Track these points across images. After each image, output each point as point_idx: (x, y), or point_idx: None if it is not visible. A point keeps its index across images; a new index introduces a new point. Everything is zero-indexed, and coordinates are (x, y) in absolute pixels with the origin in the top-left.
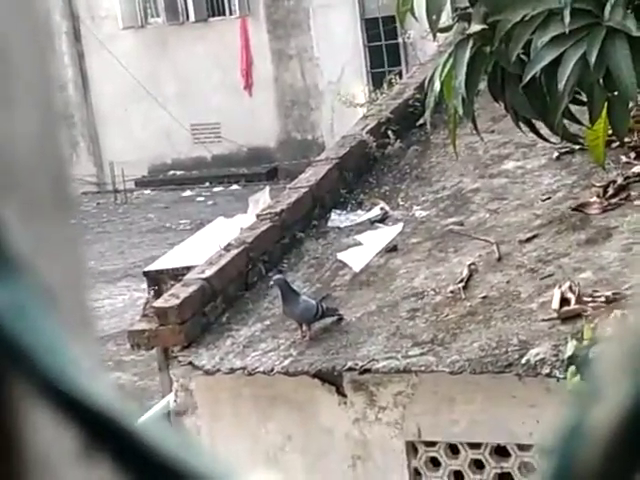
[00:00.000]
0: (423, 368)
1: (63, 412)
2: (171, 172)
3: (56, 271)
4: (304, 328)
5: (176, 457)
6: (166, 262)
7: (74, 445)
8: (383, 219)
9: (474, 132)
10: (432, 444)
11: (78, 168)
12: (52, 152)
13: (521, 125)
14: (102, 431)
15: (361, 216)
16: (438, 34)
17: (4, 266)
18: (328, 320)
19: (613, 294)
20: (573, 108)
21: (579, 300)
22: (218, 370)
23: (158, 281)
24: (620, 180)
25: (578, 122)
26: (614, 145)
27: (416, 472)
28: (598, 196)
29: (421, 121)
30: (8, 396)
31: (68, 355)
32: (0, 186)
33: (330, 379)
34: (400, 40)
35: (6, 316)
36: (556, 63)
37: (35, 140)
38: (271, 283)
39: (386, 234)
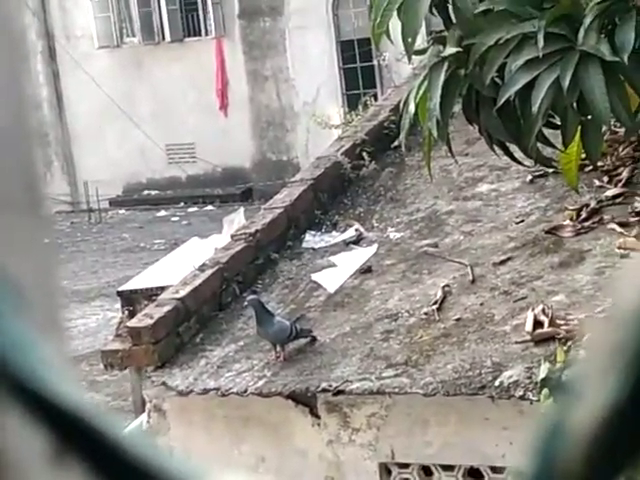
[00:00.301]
0: (397, 390)
1: (33, 412)
2: (146, 192)
3: (27, 271)
4: (278, 349)
5: (147, 458)
6: (140, 282)
7: (45, 447)
8: (358, 240)
9: (449, 154)
10: (405, 466)
11: (52, 187)
12: (21, 149)
13: (495, 148)
14: (73, 432)
15: (336, 237)
16: (413, 56)
17: None
18: (302, 341)
19: (586, 317)
20: (547, 131)
21: (552, 323)
22: (191, 391)
23: (132, 301)
24: (593, 204)
25: (552, 145)
26: (587, 169)
27: None
28: (571, 219)
29: (396, 143)
30: None
31: (38, 354)
32: None
33: (304, 400)
34: (375, 62)
35: None
36: (530, 86)
37: (5, 140)
38: (245, 304)
39: (360, 255)
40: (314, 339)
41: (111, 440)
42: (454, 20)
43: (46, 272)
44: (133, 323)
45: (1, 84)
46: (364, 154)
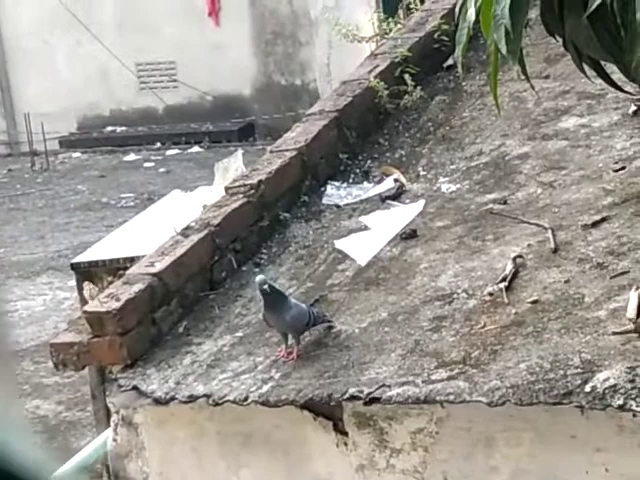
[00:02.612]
0: (452, 397)
1: None
2: (109, 128)
3: None
4: (290, 342)
5: None
6: (102, 251)
7: None
8: (398, 195)
9: (522, 77)
10: None
11: None
12: None
13: (586, 68)
14: None
15: (368, 190)
16: None
17: None
18: (318, 330)
19: None
20: None
21: None
22: (173, 398)
23: (91, 277)
24: None
25: None
26: None
27: None
28: None
29: (450, 62)
30: None
31: None
32: None
33: (325, 411)
34: None
35: None
36: None
37: None
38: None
39: (402, 215)
40: (330, 327)
41: None
42: None
43: None
44: (93, 307)
45: None
46: (406, 77)
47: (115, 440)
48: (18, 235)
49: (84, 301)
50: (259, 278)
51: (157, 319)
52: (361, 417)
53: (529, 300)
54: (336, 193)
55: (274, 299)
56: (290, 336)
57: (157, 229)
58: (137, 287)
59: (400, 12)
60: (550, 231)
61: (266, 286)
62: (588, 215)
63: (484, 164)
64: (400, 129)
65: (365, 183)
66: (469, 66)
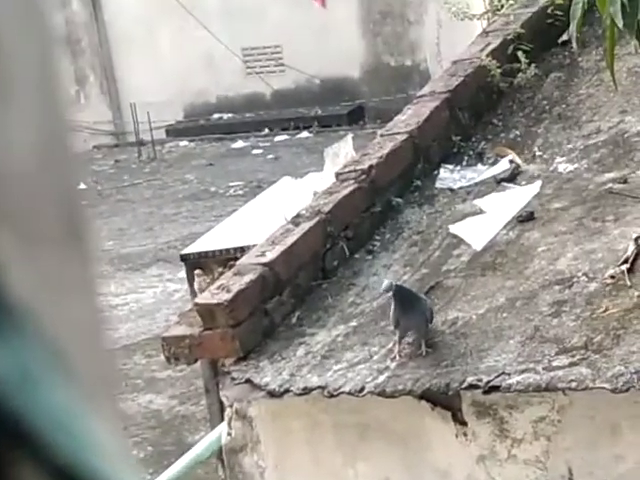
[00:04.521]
0: (574, 384)
1: None
2: (216, 115)
3: (66, 320)
4: (412, 339)
5: None
6: (212, 241)
7: None
8: (513, 176)
9: None
10: None
11: (87, 112)
12: (58, 165)
13: None
14: None
15: (482, 173)
16: None
17: (1, 319)
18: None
19: None
20: None
21: None
22: (287, 390)
23: (201, 268)
24: None
25: None
26: None
27: None
28: None
29: (564, 37)
30: None
31: (84, 432)
32: None
33: (443, 401)
34: None
35: (6, 384)
36: None
37: (36, 150)
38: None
39: (518, 197)
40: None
41: None
42: None
43: (90, 320)
44: (204, 299)
45: (25, 54)
46: (520, 54)
47: (229, 434)
48: (126, 227)
49: (195, 293)
50: (385, 284)
51: (269, 310)
52: (480, 406)
53: None
54: (449, 176)
55: (406, 302)
56: (410, 332)
57: (267, 218)
58: (248, 278)
59: None
60: None
61: (391, 291)
62: None
63: (602, 142)
64: (514, 108)
65: (479, 165)
66: (584, 41)
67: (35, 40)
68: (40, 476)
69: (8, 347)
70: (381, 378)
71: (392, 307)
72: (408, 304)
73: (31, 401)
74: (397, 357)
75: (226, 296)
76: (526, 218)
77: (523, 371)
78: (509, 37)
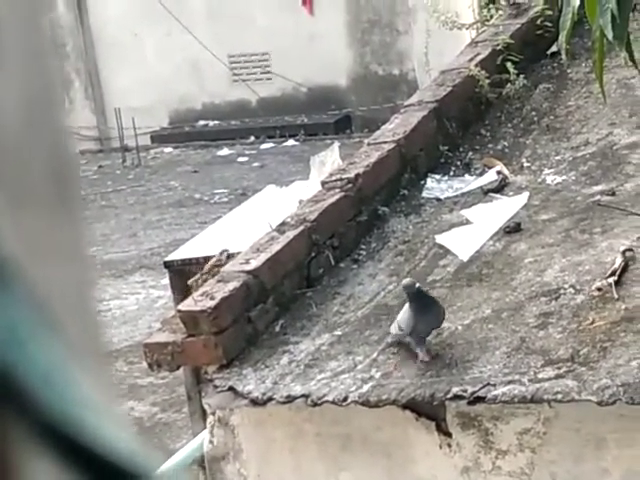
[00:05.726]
0: (560, 396)
1: (67, 460)
2: (201, 122)
3: (55, 278)
4: (418, 347)
5: None
6: (196, 248)
7: None
8: (501, 187)
9: (629, 64)
10: None
11: (72, 117)
12: (48, 128)
13: None
14: None
15: (469, 183)
16: None
17: None
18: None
19: None
20: None
21: None
22: (270, 399)
23: (185, 275)
24: None
25: None
26: None
27: None
28: None
29: (554, 48)
30: (2, 439)
31: (71, 387)
32: None
33: (428, 411)
34: None
35: None
36: None
37: (25, 113)
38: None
39: (505, 208)
40: None
41: None
42: None
43: (79, 278)
44: (187, 306)
45: (23, 51)
46: (508, 65)
47: (211, 442)
48: (110, 233)
49: (178, 300)
50: (407, 281)
51: (253, 318)
52: (465, 417)
53: None
54: (436, 186)
55: (423, 304)
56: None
57: (252, 225)
58: (232, 285)
59: None
60: None
61: (415, 288)
62: None
63: (591, 154)
64: (502, 119)
65: (466, 175)
66: (574, 53)
67: (23, 5)
68: (29, 431)
69: None
70: (365, 387)
71: (406, 308)
72: (426, 308)
73: (19, 358)
74: (425, 358)
75: (210, 303)
76: (513, 229)
77: (509, 382)
78: (498, 48)
